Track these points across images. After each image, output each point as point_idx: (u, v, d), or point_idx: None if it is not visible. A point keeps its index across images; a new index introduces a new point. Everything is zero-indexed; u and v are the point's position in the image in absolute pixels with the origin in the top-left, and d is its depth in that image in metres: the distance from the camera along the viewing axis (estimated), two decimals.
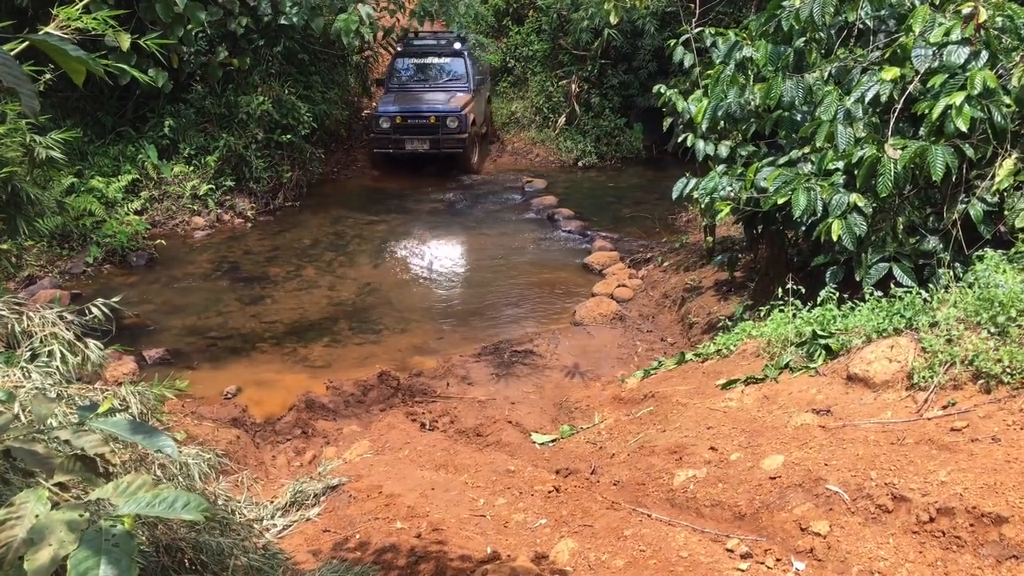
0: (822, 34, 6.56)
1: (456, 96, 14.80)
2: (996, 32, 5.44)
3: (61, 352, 3.02)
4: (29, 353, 3.01)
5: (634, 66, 15.95)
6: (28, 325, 3.11)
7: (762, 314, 6.22)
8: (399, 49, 15.49)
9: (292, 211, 12.76)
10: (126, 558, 1.40)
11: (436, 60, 15.61)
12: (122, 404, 3.10)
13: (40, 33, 2.55)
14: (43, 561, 1.38)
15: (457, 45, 15.48)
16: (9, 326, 3.17)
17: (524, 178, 14.58)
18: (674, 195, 7.49)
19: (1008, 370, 3.95)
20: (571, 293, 9.76)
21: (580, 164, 15.70)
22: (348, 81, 15.13)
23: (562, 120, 16.18)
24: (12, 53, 2.01)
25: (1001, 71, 5.40)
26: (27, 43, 2.48)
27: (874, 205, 5.54)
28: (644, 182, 14.61)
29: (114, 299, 3.33)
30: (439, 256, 11.26)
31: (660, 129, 9.53)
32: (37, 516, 1.46)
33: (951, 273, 4.97)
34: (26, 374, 2.82)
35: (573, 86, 16.16)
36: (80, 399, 2.84)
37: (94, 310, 3.25)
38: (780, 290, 5.96)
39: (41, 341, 3.13)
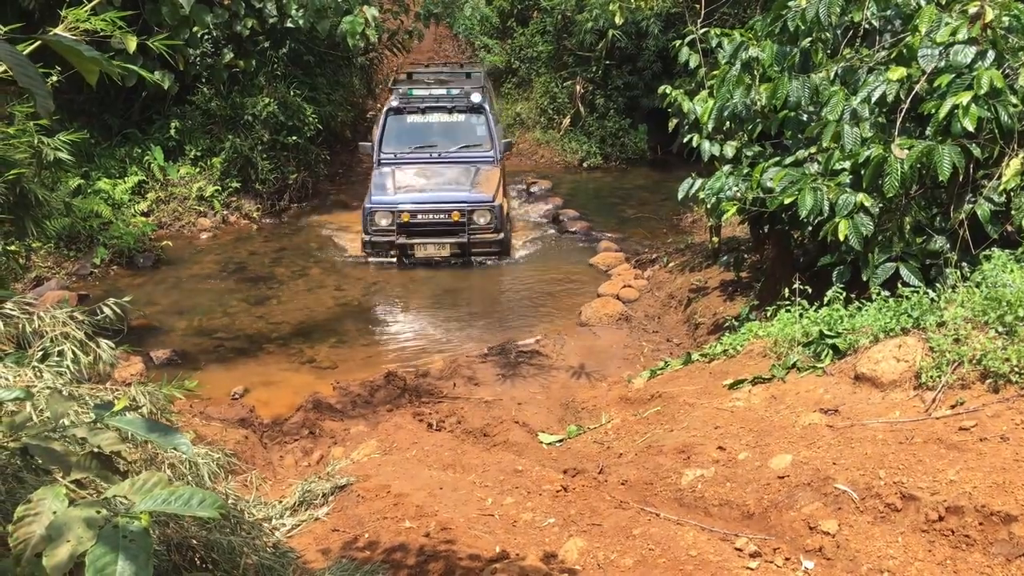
0: (828, 34, 6.55)
1: (482, 174, 10.77)
2: (1002, 32, 5.43)
3: (73, 352, 3.03)
4: (41, 353, 3.03)
5: (639, 67, 15.94)
6: (39, 325, 3.12)
7: (768, 314, 6.21)
8: (393, 104, 11.32)
9: (298, 212, 12.79)
10: (143, 554, 1.42)
11: (448, 119, 11.35)
12: (132, 404, 3.12)
13: (50, 34, 2.57)
14: (61, 558, 1.40)
15: (476, 97, 11.31)
16: (20, 326, 3.19)
17: (529, 179, 14.58)
18: (679, 196, 7.48)
19: (1016, 369, 3.94)
20: (577, 294, 9.77)
21: (585, 165, 15.71)
22: (353, 83, 15.07)
23: (567, 121, 16.19)
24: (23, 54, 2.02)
25: (1008, 71, 5.39)
26: (36, 45, 2.51)
27: (880, 205, 5.53)
28: (649, 183, 14.60)
29: (125, 299, 3.34)
30: None
31: (665, 130, 9.51)
32: (55, 513, 1.48)
33: (958, 273, 4.96)
34: (38, 374, 2.84)
35: (578, 87, 16.16)
36: (91, 399, 2.86)
37: (106, 310, 3.26)
38: (786, 290, 5.96)
39: (52, 341, 3.14)
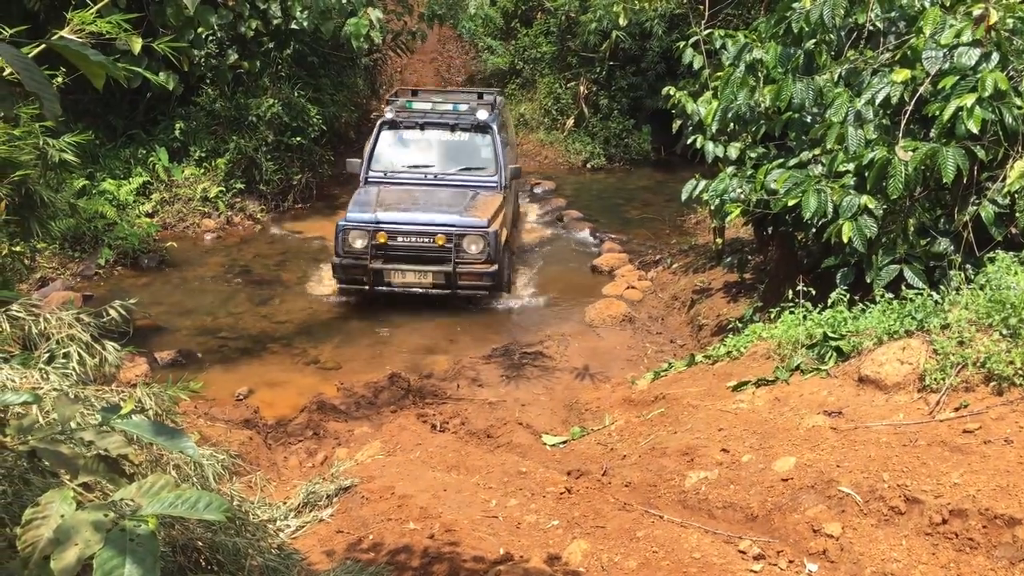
0: (832, 36, 6.55)
1: (480, 199, 9.49)
2: (1007, 34, 5.43)
3: (78, 354, 3.04)
4: (47, 355, 3.03)
5: (642, 68, 15.95)
6: (45, 327, 3.13)
7: (772, 316, 6.21)
8: (387, 116, 10.13)
9: (302, 213, 12.80)
10: (150, 557, 1.42)
11: (449, 137, 10.10)
12: (138, 406, 3.13)
13: (55, 37, 2.59)
14: (69, 561, 1.41)
15: (483, 114, 10.02)
16: (26, 328, 3.19)
17: (533, 180, 14.59)
18: (683, 197, 7.48)
19: (1020, 372, 3.94)
20: (580, 295, 9.77)
21: (589, 166, 15.71)
22: (357, 84, 15.04)
23: (570, 122, 16.20)
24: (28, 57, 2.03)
25: (1012, 73, 5.38)
26: (41, 47, 2.52)
27: (884, 207, 5.53)
28: (653, 184, 14.61)
29: (131, 300, 3.35)
30: None
31: (669, 131, 9.52)
32: (63, 516, 1.48)
33: (962, 275, 4.96)
34: (44, 376, 2.84)
35: (581, 88, 16.17)
36: (97, 400, 2.86)
37: (112, 312, 3.27)
38: (790, 292, 5.96)
39: (58, 343, 3.15)
